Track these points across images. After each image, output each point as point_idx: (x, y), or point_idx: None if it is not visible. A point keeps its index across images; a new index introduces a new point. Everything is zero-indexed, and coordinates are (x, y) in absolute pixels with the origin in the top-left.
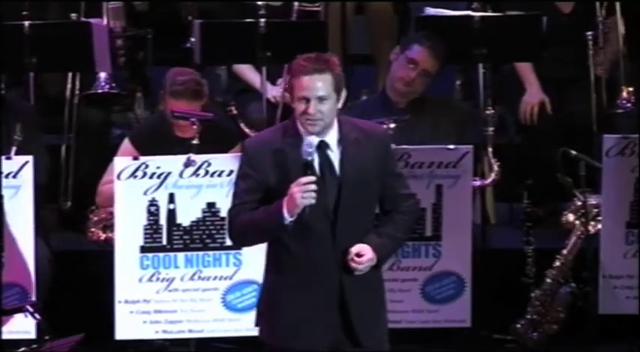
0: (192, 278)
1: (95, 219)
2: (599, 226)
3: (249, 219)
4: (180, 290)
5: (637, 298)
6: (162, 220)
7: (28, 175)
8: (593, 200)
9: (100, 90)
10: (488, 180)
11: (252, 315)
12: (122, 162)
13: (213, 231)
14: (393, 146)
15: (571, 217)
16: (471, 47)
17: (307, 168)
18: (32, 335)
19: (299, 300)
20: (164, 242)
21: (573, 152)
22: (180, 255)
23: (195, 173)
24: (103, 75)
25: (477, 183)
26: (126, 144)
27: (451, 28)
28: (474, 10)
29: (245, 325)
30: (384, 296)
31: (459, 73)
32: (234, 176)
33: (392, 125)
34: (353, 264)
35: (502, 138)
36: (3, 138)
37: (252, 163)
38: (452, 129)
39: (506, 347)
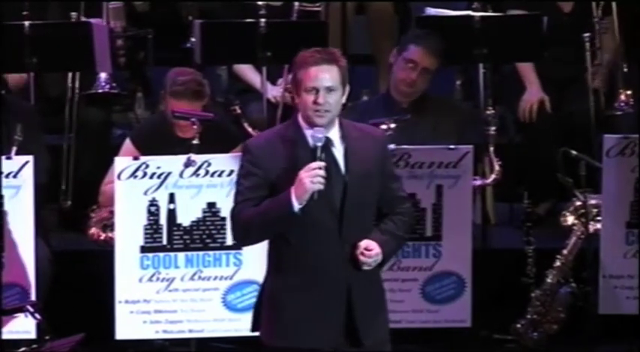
0: (192, 278)
1: (96, 218)
2: (599, 226)
3: (255, 212)
4: (181, 290)
5: (637, 298)
6: (163, 220)
7: (28, 175)
8: (593, 200)
9: (100, 90)
10: (490, 180)
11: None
12: (122, 162)
13: (214, 231)
14: (393, 146)
15: (571, 217)
16: (471, 47)
17: (316, 153)
18: (32, 335)
19: (306, 299)
20: (164, 242)
21: (574, 152)
22: (181, 255)
23: (196, 173)
24: (103, 75)
25: (478, 182)
26: (127, 144)
27: (451, 28)
28: (474, 10)
29: (245, 325)
30: (385, 296)
31: (460, 72)
32: (234, 176)
33: (392, 125)
34: (363, 258)
35: (502, 138)
36: (3, 138)
37: (256, 161)
38: (453, 129)
39: (506, 347)
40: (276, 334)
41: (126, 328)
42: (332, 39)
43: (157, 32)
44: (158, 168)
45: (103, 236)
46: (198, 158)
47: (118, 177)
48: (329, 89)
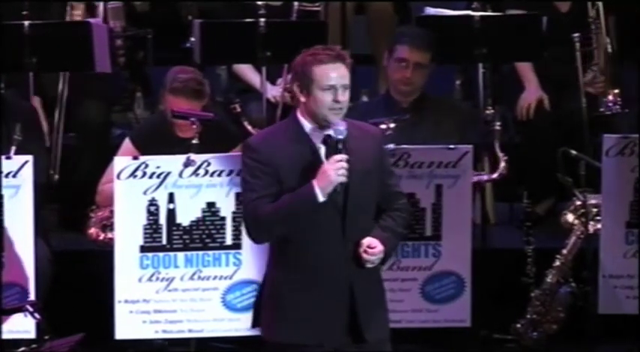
0: (191, 278)
1: (95, 218)
2: (599, 226)
3: (276, 207)
4: (180, 290)
5: (637, 298)
6: (162, 220)
7: (27, 175)
8: (593, 200)
9: None
10: (496, 175)
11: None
12: (122, 162)
13: (213, 231)
14: (393, 146)
15: (571, 217)
16: (470, 47)
17: (337, 146)
18: (32, 335)
19: (309, 297)
20: (164, 242)
21: (573, 152)
22: (180, 255)
23: (195, 173)
24: None
25: (485, 177)
26: (126, 143)
27: (451, 28)
28: (473, 9)
29: (245, 325)
30: (385, 295)
31: (459, 72)
32: (234, 176)
33: (392, 125)
34: (366, 256)
35: (502, 138)
36: (3, 138)
37: (263, 158)
38: (454, 128)
39: (506, 346)
40: (279, 331)
41: (125, 328)
42: (332, 39)
43: (157, 32)
44: (157, 167)
45: (102, 236)
46: (198, 158)
47: (118, 176)
48: (344, 87)
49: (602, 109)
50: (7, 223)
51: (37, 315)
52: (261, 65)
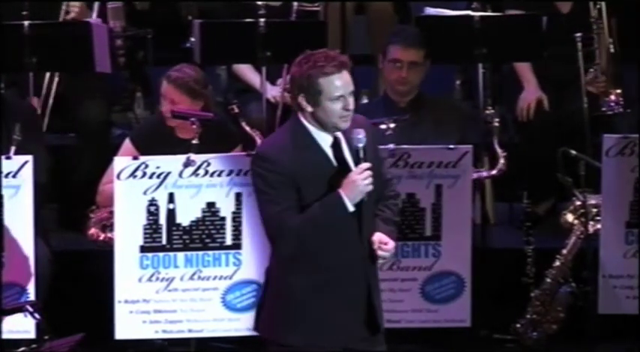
0: (191, 278)
1: (95, 218)
2: (599, 226)
3: (305, 219)
4: (180, 290)
5: (637, 298)
6: (162, 220)
7: (27, 175)
8: (592, 200)
9: None
10: (495, 171)
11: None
12: (122, 162)
13: (213, 231)
14: (393, 146)
15: (571, 217)
16: (470, 47)
17: (359, 154)
18: (32, 335)
19: (330, 297)
20: (164, 242)
21: (573, 152)
22: (180, 255)
23: (195, 173)
24: None
25: (484, 174)
26: (126, 144)
27: (451, 28)
28: (473, 9)
29: (245, 325)
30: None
31: (459, 72)
32: (234, 176)
33: (392, 125)
34: (382, 253)
35: (502, 138)
36: (3, 138)
37: (277, 168)
38: (454, 128)
39: (506, 346)
40: (297, 335)
41: (125, 328)
42: (331, 39)
43: (157, 32)
44: (157, 167)
45: (102, 236)
46: (198, 158)
47: (118, 176)
48: (351, 93)
49: (604, 109)
50: (7, 223)
51: (36, 315)
52: (261, 65)
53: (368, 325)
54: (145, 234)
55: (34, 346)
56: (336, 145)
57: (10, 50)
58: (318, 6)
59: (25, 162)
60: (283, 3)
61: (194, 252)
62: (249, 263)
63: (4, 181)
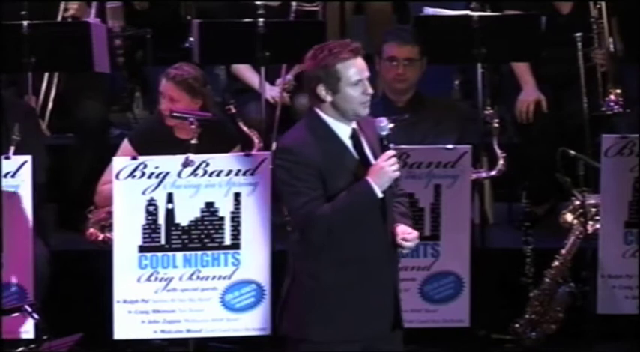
0: (190, 278)
1: (93, 219)
2: (598, 226)
3: (335, 209)
4: (179, 290)
5: (636, 298)
6: (161, 220)
7: (26, 175)
8: (591, 200)
9: None
10: (494, 171)
11: (250, 315)
12: (121, 162)
13: (212, 231)
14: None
15: (570, 217)
16: (469, 47)
17: (383, 142)
18: (31, 335)
19: (360, 291)
20: (162, 242)
21: (572, 152)
22: (179, 255)
23: (194, 173)
24: None
25: (483, 174)
26: (125, 144)
27: (450, 28)
28: (472, 9)
29: (243, 325)
30: None
31: (458, 72)
32: (232, 176)
33: (391, 125)
34: (406, 243)
35: (501, 138)
36: (2, 138)
37: (303, 160)
38: (454, 128)
39: (504, 346)
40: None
41: (124, 328)
42: (330, 39)
43: (156, 32)
44: (156, 167)
45: (101, 236)
46: (197, 158)
47: (117, 176)
48: (368, 79)
49: (603, 109)
50: (6, 223)
51: (35, 315)
52: (260, 65)
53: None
54: (144, 233)
55: (32, 346)
56: (354, 137)
57: (9, 50)
58: (317, 6)
59: (24, 162)
60: (282, 3)
61: (193, 252)
62: (247, 263)
63: (3, 181)
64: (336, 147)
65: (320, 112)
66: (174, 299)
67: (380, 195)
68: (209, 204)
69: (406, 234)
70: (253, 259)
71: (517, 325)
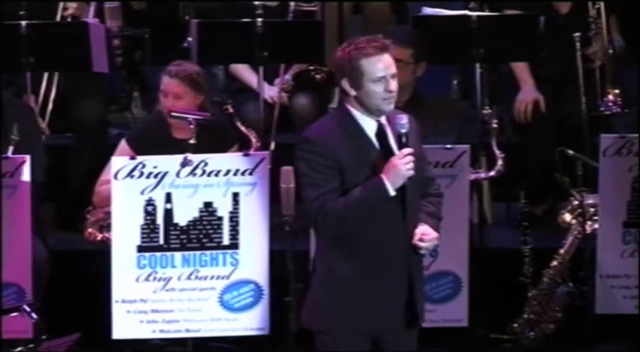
0: (189, 278)
1: (92, 219)
2: (596, 226)
3: (347, 203)
4: (177, 290)
5: (634, 298)
6: (159, 220)
7: (25, 175)
8: (590, 199)
9: None
10: (493, 172)
11: (249, 315)
12: (119, 162)
13: (210, 231)
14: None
15: (568, 217)
16: (468, 47)
17: (402, 140)
18: (29, 335)
19: (372, 284)
20: (161, 241)
21: (571, 151)
22: (177, 255)
23: (192, 173)
24: None
25: (482, 175)
26: (122, 145)
27: (448, 28)
28: (471, 9)
29: (242, 324)
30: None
31: (457, 72)
32: (231, 176)
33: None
34: (422, 244)
35: (499, 138)
36: (2, 138)
37: (323, 152)
38: (452, 128)
39: (503, 346)
40: (333, 318)
41: (123, 328)
42: (329, 39)
43: (154, 32)
44: (155, 167)
45: (99, 236)
46: (195, 157)
47: (115, 176)
48: (393, 75)
49: (602, 109)
50: (5, 223)
51: (34, 315)
52: (258, 65)
53: (406, 316)
54: (143, 233)
55: (31, 346)
56: (380, 131)
57: (8, 50)
58: (315, 6)
59: (23, 162)
60: (280, 3)
61: (191, 252)
62: (246, 263)
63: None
64: (360, 142)
65: (348, 106)
66: (173, 299)
67: (392, 192)
68: (208, 204)
69: (425, 234)
70: (252, 259)
71: (516, 325)
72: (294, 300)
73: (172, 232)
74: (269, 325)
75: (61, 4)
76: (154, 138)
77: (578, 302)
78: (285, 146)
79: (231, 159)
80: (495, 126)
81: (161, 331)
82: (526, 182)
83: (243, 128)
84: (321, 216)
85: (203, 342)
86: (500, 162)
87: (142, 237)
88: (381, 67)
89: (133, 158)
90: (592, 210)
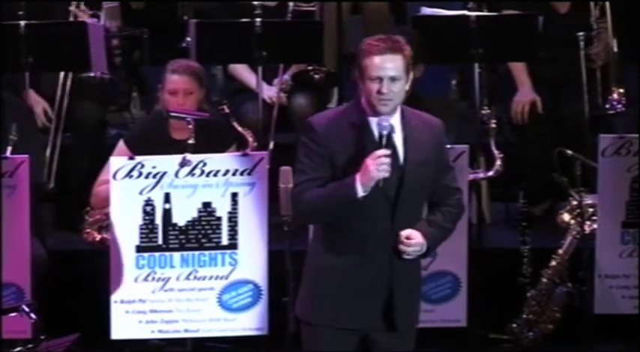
0: (187, 278)
1: (90, 220)
2: (595, 226)
3: (319, 195)
4: (176, 290)
5: (633, 298)
6: (158, 220)
7: (24, 175)
8: (589, 200)
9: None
10: (492, 172)
11: (247, 315)
12: (118, 162)
13: (209, 231)
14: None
15: (567, 217)
16: (467, 47)
17: (382, 141)
18: (28, 335)
19: (349, 281)
20: (160, 241)
21: (569, 152)
22: (176, 255)
23: (191, 173)
24: None
25: (481, 175)
26: (120, 145)
27: (447, 28)
28: (469, 9)
29: (241, 325)
30: (421, 286)
31: (455, 72)
32: (230, 176)
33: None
34: (402, 247)
35: (498, 138)
36: (1, 138)
37: (321, 140)
38: (451, 128)
39: (502, 346)
40: (315, 313)
41: (121, 328)
42: (327, 39)
43: (153, 32)
44: (153, 167)
45: (98, 237)
46: (194, 158)
47: (114, 176)
48: (392, 78)
49: (607, 106)
50: (4, 223)
51: (33, 315)
52: (257, 65)
53: (385, 319)
54: (141, 233)
55: (30, 346)
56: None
57: (7, 50)
58: (314, 6)
59: (22, 162)
60: (279, 3)
61: (190, 252)
62: (245, 263)
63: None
64: (363, 138)
65: (362, 101)
66: (172, 299)
67: (361, 193)
68: (206, 204)
69: (409, 239)
70: (250, 259)
71: (514, 325)
72: (293, 300)
73: (171, 232)
74: (268, 325)
75: (72, 12)
76: (153, 139)
77: (577, 302)
78: (284, 146)
79: (229, 159)
80: (494, 126)
81: (160, 331)
82: (525, 182)
83: (239, 128)
84: (296, 203)
85: (202, 342)
86: (498, 162)
87: (141, 237)
88: (378, 67)
89: (131, 158)
90: (591, 210)
